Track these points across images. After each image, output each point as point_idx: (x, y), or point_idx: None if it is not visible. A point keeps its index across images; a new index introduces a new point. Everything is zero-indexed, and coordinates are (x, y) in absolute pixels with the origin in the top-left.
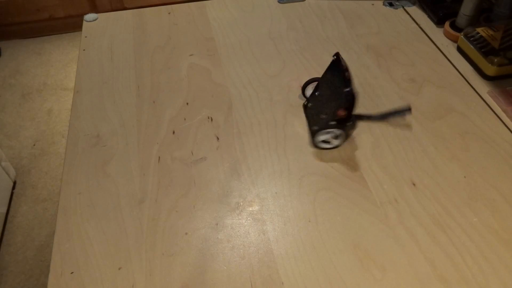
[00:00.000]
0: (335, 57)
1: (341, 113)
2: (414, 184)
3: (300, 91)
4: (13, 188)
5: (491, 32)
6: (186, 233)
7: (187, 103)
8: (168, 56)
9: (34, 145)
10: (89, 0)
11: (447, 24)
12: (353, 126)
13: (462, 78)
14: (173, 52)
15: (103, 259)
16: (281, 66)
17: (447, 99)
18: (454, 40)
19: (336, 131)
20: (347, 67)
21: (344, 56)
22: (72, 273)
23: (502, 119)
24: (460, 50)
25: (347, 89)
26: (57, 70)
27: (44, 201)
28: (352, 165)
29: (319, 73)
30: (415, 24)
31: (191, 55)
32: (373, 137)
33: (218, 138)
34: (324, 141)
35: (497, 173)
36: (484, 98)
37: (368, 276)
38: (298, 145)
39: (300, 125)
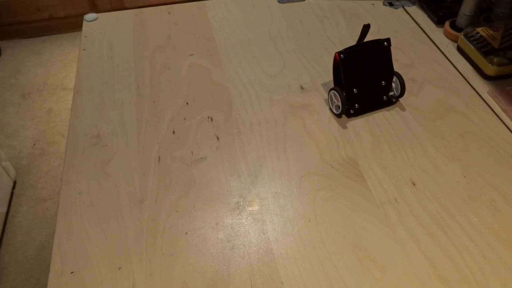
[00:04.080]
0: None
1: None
2: (414, 184)
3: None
4: (13, 188)
5: (491, 32)
6: (186, 233)
7: (187, 103)
8: (168, 56)
9: (34, 145)
10: (89, 0)
11: (447, 24)
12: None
13: (462, 78)
14: (173, 52)
15: (103, 259)
16: (281, 66)
17: (447, 99)
18: (454, 40)
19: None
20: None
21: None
22: (72, 273)
23: (502, 119)
24: (460, 50)
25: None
26: (57, 70)
27: (44, 201)
28: (352, 165)
29: (319, 73)
30: (415, 24)
31: (191, 55)
32: (373, 137)
33: (218, 138)
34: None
35: (497, 173)
36: (484, 98)
37: (368, 276)
38: (298, 145)
39: (300, 125)
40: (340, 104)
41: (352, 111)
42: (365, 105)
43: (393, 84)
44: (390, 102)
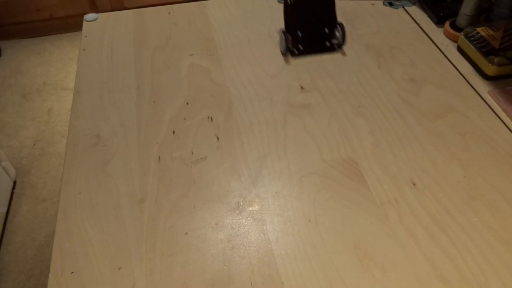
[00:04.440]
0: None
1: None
2: (414, 184)
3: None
4: (13, 188)
5: (491, 32)
6: (186, 233)
7: (187, 103)
8: (168, 56)
9: (34, 145)
10: (89, 0)
11: (447, 24)
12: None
13: (462, 78)
14: (173, 52)
15: (103, 259)
16: (281, 66)
17: (447, 99)
18: (454, 40)
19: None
20: None
21: (344, 55)
22: (72, 273)
23: (502, 119)
24: (460, 50)
25: None
26: (57, 70)
27: (44, 201)
28: (352, 165)
29: (319, 73)
30: (415, 24)
31: (191, 55)
32: (373, 137)
33: (218, 138)
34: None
35: (497, 173)
36: (484, 98)
37: (368, 276)
38: (298, 145)
39: (300, 125)
40: (286, 44)
41: (296, 52)
42: (308, 48)
43: (337, 33)
44: (332, 48)
